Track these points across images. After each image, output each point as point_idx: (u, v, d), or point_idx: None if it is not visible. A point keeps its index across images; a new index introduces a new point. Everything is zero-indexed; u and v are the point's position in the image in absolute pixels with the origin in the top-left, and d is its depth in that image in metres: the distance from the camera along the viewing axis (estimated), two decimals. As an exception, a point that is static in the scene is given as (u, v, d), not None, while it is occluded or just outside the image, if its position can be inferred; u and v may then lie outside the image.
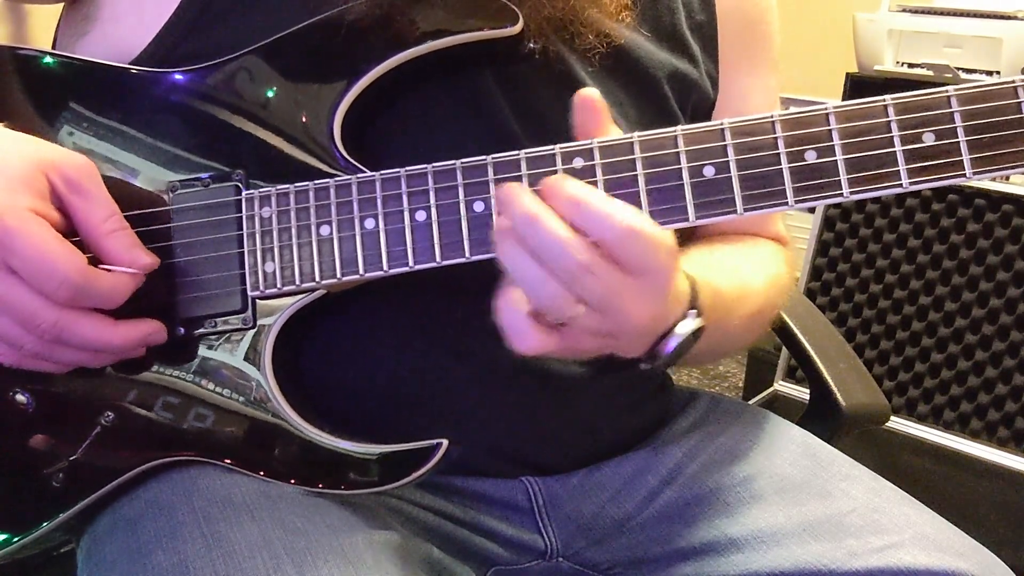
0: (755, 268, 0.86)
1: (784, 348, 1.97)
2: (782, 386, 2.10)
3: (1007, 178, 1.90)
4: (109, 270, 0.66)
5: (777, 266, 0.90)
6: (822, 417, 1.06)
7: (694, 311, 0.69)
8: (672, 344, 0.68)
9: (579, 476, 0.85)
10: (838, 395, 1.06)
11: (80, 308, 0.65)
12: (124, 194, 0.73)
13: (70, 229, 0.67)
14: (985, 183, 1.86)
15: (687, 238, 0.85)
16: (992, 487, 1.82)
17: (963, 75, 2.15)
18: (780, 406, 2.05)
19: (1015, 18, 2.08)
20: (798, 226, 2.24)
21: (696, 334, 0.69)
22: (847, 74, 2.34)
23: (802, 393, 2.03)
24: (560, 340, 0.62)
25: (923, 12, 2.26)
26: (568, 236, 0.58)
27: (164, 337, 0.70)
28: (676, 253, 0.62)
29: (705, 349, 0.78)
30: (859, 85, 2.30)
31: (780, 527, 0.80)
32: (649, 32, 0.85)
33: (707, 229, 0.90)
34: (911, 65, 2.24)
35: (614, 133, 0.65)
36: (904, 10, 2.29)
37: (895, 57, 2.27)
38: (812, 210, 2.06)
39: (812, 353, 1.10)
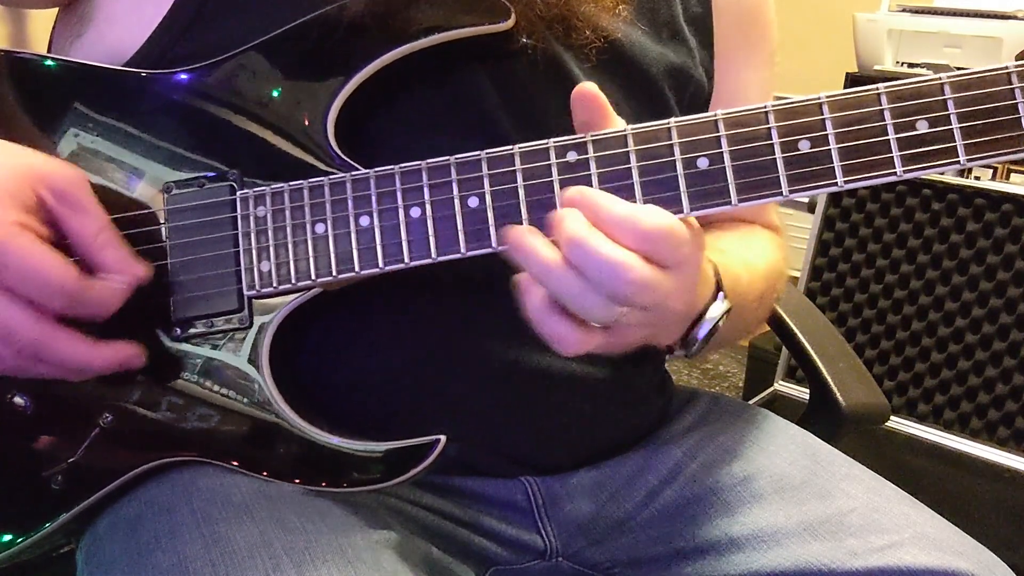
0: (756, 253, 0.89)
1: (784, 348, 1.98)
2: (782, 386, 2.10)
3: (1007, 177, 1.90)
4: (103, 279, 0.66)
5: (774, 252, 0.92)
6: (822, 417, 1.06)
7: (722, 294, 0.71)
8: (704, 329, 0.70)
9: (579, 476, 0.85)
10: (838, 395, 1.06)
11: (61, 327, 0.65)
12: (120, 195, 0.73)
13: (58, 242, 0.66)
14: (985, 183, 1.86)
15: None
16: (992, 487, 1.82)
17: (963, 75, 2.15)
18: (780, 406, 2.05)
19: (1015, 18, 2.07)
20: (798, 226, 2.24)
21: (723, 317, 0.71)
22: (847, 74, 2.34)
23: (802, 393, 2.03)
24: (607, 337, 0.63)
25: (923, 12, 2.25)
26: (619, 258, 0.58)
27: (143, 361, 0.70)
28: (700, 237, 0.63)
29: (726, 333, 0.78)
30: (859, 85, 2.29)
31: (780, 527, 0.80)
32: (646, 25, 0.85)
33: (707, 217, 0.91)
34: (911, 65, 2.24)
35: (618, 126, 0.65)
36: (904, 10, 2.29)
37: (895, 57, 2.27)
38: (812, 210, 2.06)
39: (812, 353, 1.10)
